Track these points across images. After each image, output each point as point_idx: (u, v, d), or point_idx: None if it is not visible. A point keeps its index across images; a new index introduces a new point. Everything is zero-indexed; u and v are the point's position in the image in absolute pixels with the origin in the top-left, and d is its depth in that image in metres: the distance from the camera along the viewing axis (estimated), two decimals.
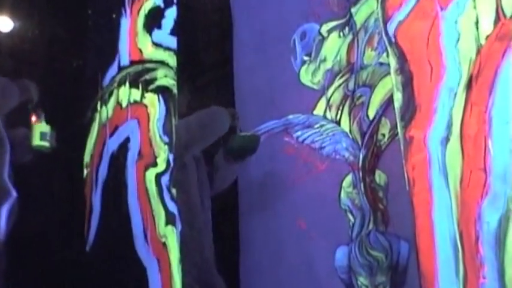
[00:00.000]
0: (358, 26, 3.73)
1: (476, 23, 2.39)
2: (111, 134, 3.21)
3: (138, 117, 3.15)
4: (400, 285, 3.44)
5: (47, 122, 3.27)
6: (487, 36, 2.37)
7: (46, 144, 3.25)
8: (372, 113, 3.62)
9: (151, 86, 3.17)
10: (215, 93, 4.61)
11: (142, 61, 3.23)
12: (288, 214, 3.79)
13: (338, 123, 3.73)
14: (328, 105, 3.77)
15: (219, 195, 3.74)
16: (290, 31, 3.94)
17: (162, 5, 3.26)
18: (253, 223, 3.92)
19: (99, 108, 3.38)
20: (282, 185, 3.84)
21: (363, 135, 3.63)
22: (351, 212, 3.61)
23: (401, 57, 2.54)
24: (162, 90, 3.17)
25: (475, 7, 2.40)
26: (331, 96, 3.77)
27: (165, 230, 3.03)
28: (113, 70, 3.28)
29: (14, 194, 3.08)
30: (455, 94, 2.41)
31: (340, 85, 3.75)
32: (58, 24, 4.63)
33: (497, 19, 2.35)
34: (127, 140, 3.16)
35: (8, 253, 3.21)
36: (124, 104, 3.20)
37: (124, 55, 3.27)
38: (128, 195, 3.10)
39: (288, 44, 3.93)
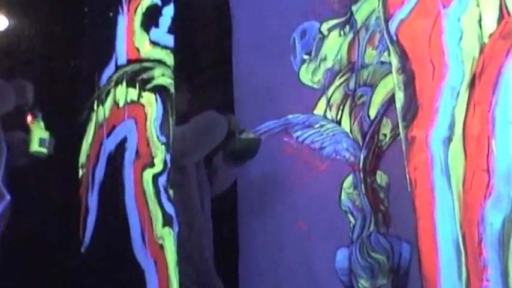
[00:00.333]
0: (359, 24, 3.73)
1: (480, 21, 2.39)
2: (108, 134, 3.21)
3: (135, 117, 3.14)
4: None
5: (46, 128, 3.27)
6: (490, 35, 2.37)
7: (44, 150, 3.26)
8: (373, 113, 3.62)
9: (149, 85, 3.17)
10: (213, 93, 4.60)
11: (139, 60, 3.22)
12: (288, 215, 3.78)
13: (338, 123, 3.72)
14: (329, 105, 3.76)
15: (218, 197, 3.73)
16: (290, 29, 3.93)
17: (159, 3, 3.26)
18: (252, 224, 3.91)
19: (95, 107, 3.38)
20: (282, 186, 3.84)
21: (363, 135, 3.63)
22: (352, 214, 3.61)
23: (403, 56, 2.54)
24: (160, 90, 3.17)
25: (478, 5, 2.40)
26: (331, 96, 3.76)
27: (162, 232, 3.02)
28: (109, 69, 3.27)
29: (8, 197, 3.07)
30: (458, 93, 2.40)
31: (340, 84, 3.75)
32: (54, 23, 4.63)
33: (500, 17, 2.35)
34: (124, 140, 3.15)
35: (1, 255, 3.20)
36: (121, 104, 3.19)
37: (121, 54, 3.26)
38: (125, 196, 3.09)
39: (288, 43, 3.92)
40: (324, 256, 3.64)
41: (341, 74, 3.76)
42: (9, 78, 3.25)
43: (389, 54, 2.61)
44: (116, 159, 3.17)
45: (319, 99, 3.80)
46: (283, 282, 3.75)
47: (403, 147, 2.49)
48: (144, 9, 3.25)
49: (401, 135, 2.50)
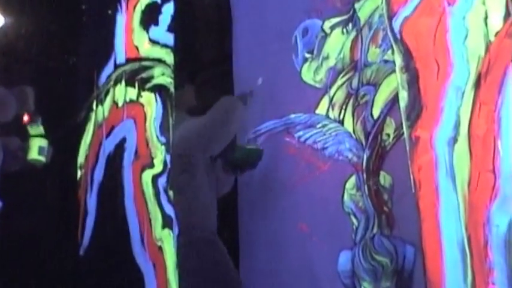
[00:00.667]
0: (362, 22, 3.72)
1: (485, 19, 2.39)
2: (107, 135, 3.21)
3: (135, 116, 3.14)
4: None
5: (44, 132, 3.27)
6: (497, 33, 2.37)
7: (42, 159, 3.26)
8: (376, 113, 3.61)
9: (148, 85, 3.17)
10: (214, 92, 4.59)
11: (138, 59, 3.23)
12: (289, 217, 3.78)
13: (341, 122, 3.72)
14: (331, 104, 3.76)
15: (218, 198, 3.73)
16: (291, 27, 3.93)
17: (159, 1, 3.26)
18: (253, 226, 3.91)
19: (94, 107, 3.38)
20: (283, 186, 3.83)
21: (366, 135, 3.62)
22: (355, 215, 3.60)
23: (407, 55, 2.54)
24: (159, 89, 3.17)
25: (484, 3, 2.40)
26: (334, 95, 3.76)
27: (162, 234, 3.02)
28: (108, 68, 3.27)
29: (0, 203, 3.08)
30: (463, 93, 2.41)
31: (343, 83, 3.74)
32: (51, 21, 4.62)
33: (507, 15, 2.35)
34: (123, 140, 3.15)
35: None
36: (120, 103, 3.19)
37: (120, 53, 3.27)
38: (124, 197, 3.09)
39: (290, 41, 3.92)
40: (326, 258, 3.63)
41: (344, 72, 3.75)
42: (6, 77, 3.25)
43: (393, 53, 2.62)
44: (115, 160, 3.17)
45: (321, 99, 3.79)
46: (285, 285, 3.75)
47: (407, 148, 2.49)
48: (143, 7, 3.25)
49: (405, 135, 2.51)
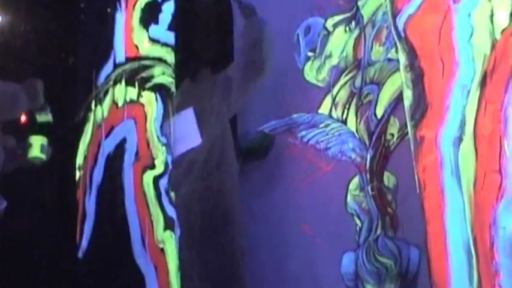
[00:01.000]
0: (366, 20, 3.72)
1: (491, 16, 2.40)
2: (107, 135, 3.21)
3: (135, 116, 3.15)
4: None
5: (44, 130, 3.28)
6: (503, 30, 2.37)
7: (44, 157, 3.27)
8: (380, 112, 3.61)
9: (149, 84, 3.18)
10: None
11: (138, 58, 3.23)
12: (292, 218, 3.78)
13: (344, 122, 3.72)
14: (334, 104, 3.76)
15: None
16: (293, 26, 3.93)
17: None
18: (255, 228, 3.90)
19: (93, 107, 3.38)
20: (286, 187, 3.84)
21: (370, 135, 3.63)
22: (358, 216, 3.61)
23: (412, 53, 2.55)
24: (160, 89, 3.17)
25: (489, 0, 2.40)
26: (337, 94, 3.76)
27: (163, 235, 3.03)
28: (107, 68, 3.28)
29: (4, 203, 3.08)
30: (469, 92, 2.41)
31: (346, 82, 3.75)
32: (49, 19, 4.62)
33: None
34: (123, 141, 3.15)
35: None
36: (120, 103, 3.20)
37: (119, 52, 3.27)
38: (124, 198, 3.10)
39: (292, 40, 3.92)
40: (329, 260, 3.63)
41: (347, 71, 3.76)
42: (4, 76, 3.24)
43: (397, 51, 2.62)
44: (115, 160, 3.18)
45: (324, 98, 3.80)
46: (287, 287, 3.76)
47: (412, 148, 2.50)
48: (143, 5, 3.26)
49: (410, 135, 2.51)
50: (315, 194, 3.73)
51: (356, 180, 3.64)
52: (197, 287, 3.22)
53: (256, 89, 3.56)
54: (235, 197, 3.52)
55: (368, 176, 3.60)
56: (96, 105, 3.31)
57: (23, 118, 3.28)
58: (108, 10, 3.33)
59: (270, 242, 3.84)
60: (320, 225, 3.69)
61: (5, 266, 3.85)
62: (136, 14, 3.25)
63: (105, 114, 3.24)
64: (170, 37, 3.22)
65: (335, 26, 3.83)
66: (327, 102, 3.78)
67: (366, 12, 3.73)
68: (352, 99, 3.72)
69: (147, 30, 3.23)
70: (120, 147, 3.15)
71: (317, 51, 3.86)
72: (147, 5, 3.26)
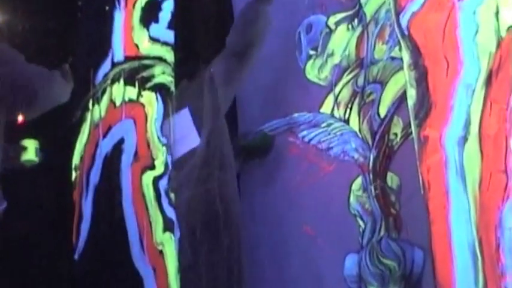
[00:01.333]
0: (368, 17, 3.72)
1: (497, 13, 2.40)
2: (104, 135, 3.21)
3: (134, 116, 3.15)
4: None
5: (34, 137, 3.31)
6: (508, 28, 2.38)
7: (37, 160, 3.31)
8: (383, 111, 3.61)
9: (149, 84, 3.17)
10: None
11: (138, 57, 3.22)
12: (293, 219, 3.78)
13: (347, 122, 3.72)
14: (336, 103, 3.76)
15: None
16: (295, 23, 3.93)
17: None
18: (255, 230, 3.91)
19: (90, 107, 3.38)
20: (287, 188, 3.84)
21: (373, 134, 3.63)
22: (361, 217, 3.61)
23: (415, 51, 2.55)
24: (160, 88, 3.17)
25: None
26: (339, 93, 3.76)
27: (163, 237, 3.03)
28: (105, 66, 3.27)
29: (4, 203, 3.09)
30: (474, 91, 2.41)
31: (348, 81, 3.75)
32: (46, 17, 4.61)
33: None
34: (121, 141, 3.15)
35: None
36: (118, 103, 3.20)
37: (118, 50, 3.27)
38: (122, 199, 3.10)
39: (293, 38, 3.92)
40: (331, 262, 3.63)
41: (349, 70, 3.76)
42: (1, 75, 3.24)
43: (400, 50, 2.62)
44: (113, 161, 3.17)
45: (326, 97, 3.80)
46: None
47: (416, 148, 2.50)
48: (143, 4, 3.26)
49: (414, 134, 2.51)
50: (316, 194, 3.73)
51: (359, 181, 3.65)
52: None
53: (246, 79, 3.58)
54: (235, 200, 3.53)
55: (371, 176, 3.60)
56: (93, 105, 3.31)
57: (20, 118, 3.29)
58: (106, 8, 3.33)
59: (270, 243, 3.84)
60: (322, 226, 3.69)
61: (1, 268, 3.85)
62: (137, 13, 3.25)
63: (103, 113, 3.23)
64: (170, 36, 3.22)
65: (337, 23, 3.83)
66: (329, 101, 3.78)
67: (368, 10, 3.73)
68: (354, 99, 3.72)
69: (147, 29, 3.23)
70: (118, 147, 3.15)
71: (319, 49, 3.86)
72: (147, 3, 3.26)
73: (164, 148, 3.09)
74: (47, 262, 4.23)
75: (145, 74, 3.19)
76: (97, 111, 3.27)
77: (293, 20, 3.94)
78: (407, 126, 3.38)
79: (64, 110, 3.82)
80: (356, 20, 3.76)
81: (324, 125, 3.78)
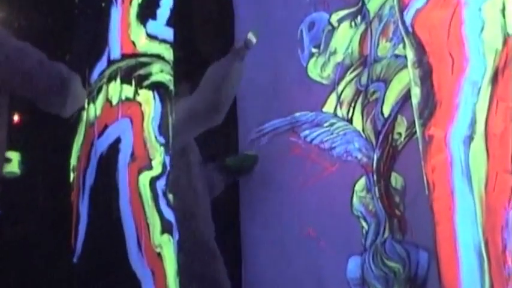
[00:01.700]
0: (372, 14, 3.72)
1: (503, 10, 2.39)
2: (100, 134, 3.20)
3: (131, 115, 3.13)
4: None
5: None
6: None
7: (19, 172, 3.35)
8: (387, 110, 3.62)
9: (146, 82, 3.16)
10: None
11: (135, 55, 3.21)
12: (295, 221, 3.79)
13: (350, 121, 3.72)
14: (339, 102, 3.76)
15: (218, 201, 3.73)
16: (297, 21, 3.93)
17: None
18: (256, 231, 3.91)
19: (86, 106, 3.36)
20: (288, 189, 3.84)
21: (377, 134, 3.63)
22: (365, 219, 3.61)
23: (420, 49, 2.54)
24: (158, 87, 3.16)
25: None
26: (342, 92, 3.76)
27: (161, 239, 3.02)
28: (101, 64, 3.26)
29: None
30: (479, 89, 2.41)
31: (352, 80, 3.75)
32: (41, 14, 4.62)
33: None
34: (117, 140, 3.14)
35: None
36: (114, 102, 3.18)
37: (114, 48, 3.25)
38: (118, 201, 3.09)
39: (295, 35, 3.92)
40: (334, 265, 3.64)
41: (352, 68, 3.76)
42: None
43: (404, 47, 2.61)
44: (108, 161, 3.16)
45: (328, 96, 3.80)
46: None
47: (420, 147, 2.49)
48: (140, 0, 3.25)
49: (418, 134, 2.51)
50: (319, 195, 3.73)
51: (362, 181, 3.65)
52: None
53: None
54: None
55: (375, 176, 3.60)
56: (89, 103, 3.29)
57: (16, 118, 3.29)
58: (103, 5, 3.32)
59: (271, 246, 3.84)
60: (325, 228, 3.69)
61: None
62: (134, 10, 3.23)
63: (98, 112, 3.22)
64: (169, 33, 3.21)
65: (340, 21, 3.83)
66: (332, 100, 3.78)
67: (372, 7, 3.74)
68: (358, 97, 3.72)
69: (145, 26, 3.22)
70: (114, 147, 3.14)
71: (321, 47, 3.86)
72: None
73: (162, 148, 3.08)
74: (45, 265, 4.23)
75: (142, 72, 3.17)
76: (93, 110, 3.26)
77: (295, 18, 3.93)
78: (411, 125, 3.39)
79: None
80: (359, 17, 3.76)
81: (326, 124, 3.78)
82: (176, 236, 3.04)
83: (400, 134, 3.56)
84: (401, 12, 2.60)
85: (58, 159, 3.70)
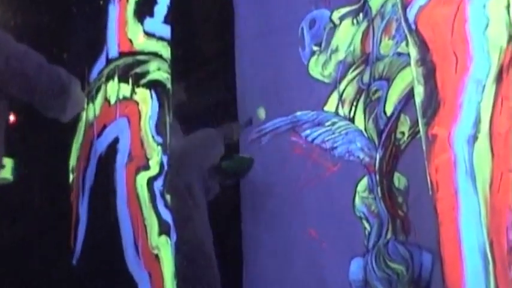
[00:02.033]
0: (374, 12, 3.72)
1: (508, 6, 2.39)
2: (99, 134, 3.20)
3: (128, 114, 3.14)
4: None
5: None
6: None
7: (11, 178, 3.36)
8: (389, 109, 3.61)
9: (143, 81, 3.17)
10: (214, 89, 4.60)
11: (132, 53, 3.22)
12: (297, 222, 3.78)
13: (352, 120, 3.72)
14: (341, 101, 3.76)
15: (219, 202, 3.73)
16: (298, 18, 3.93)
17: None
18: (257, 233, 3.91)
19: (85, 105, 3.37)
20: (290, 189, 3.83)
21: (379, 133, 3.62)
22: (367, 220, 3.61)
23: (423, 47, 2.54)
24: (155, 85, 3.16)
25: None
26: (343, 91, 3.76)
27: (158, 241, 3.02)
28: (100, 63, 3.27)
29: None
30: (484, 87, 2.41)
31: (353, 78, 3.74)
32: (39, 12, 4.62)
33: None
34: (116, 140, 3.14)
35: None
36: (112, 101, 3.19)
37: (112, 46, 3.26)
38: (116, 202, 3.09)
39: (296, 33, 3.91)
40: (336, 266, 3.63)
41: (354, 66, 3.75)
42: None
43: (407, 45, 2.62)
44: (107, 161, 3.16)
45: (330, 95, 3.79)
46: None
47: (424, 147, 2.49)
48: None
49: (421, 133, 2.51)
50: (320, 196, 3.73)
51: (364, 182, 3.64)
52: None
53: None
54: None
55: (377, 176, 3.60)
56: (88, 103, 3.30)
57: (12, 118, 3.29)
58: (101, 2, 3.32)
59: (273, 247, 3.84)
60: (326, 229, 3.69)
61: None
62: (131, 7, 3.24)
63: (97, 112, 3.22)
64: (166, 31, 3.21)
65: (342, 18, 3.82)
66: (333, 99, 3.78)
67: (374, 4, 3.73)
68: (360, 96, 3.72)
69: (142, 24, 3.22)
70: (112, 147, 3.14)
71: (323, 45, 3.85)
72: None
73: (159, 147, 3.07)
74: (43, 267, 4.23)
75: (139, 70, 3.18)
76: (92, 110, 3.26)
77: (295, 15, 3.93)
78: (414, 124, 3.38)
79: None
80: (361, 15, 3.75)
81: (328, 123, 3.77)
82: (174, 237, 3.04)
83: (403, 133, 3.55)
84: (404, 9, 2.59)
85: (56, 160, 3.70)
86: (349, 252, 3.61)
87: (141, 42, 3.20)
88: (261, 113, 3.66)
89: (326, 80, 3.82)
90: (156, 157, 3.06)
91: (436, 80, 2.49)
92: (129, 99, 3.14)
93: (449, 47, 2.47)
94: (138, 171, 3.06)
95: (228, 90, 4.17)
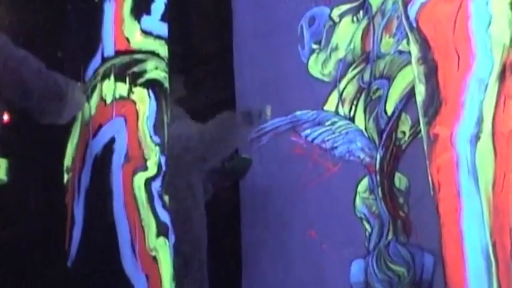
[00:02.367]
0: (374, 9, 3.72)
1: (511, 3, 2.38)
2: (95, 134, 3.19)
3: (125, 114, 3.13)
4: None
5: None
6: None
7: (5, 179, 3.37)
8: (390, 108, 3.62)
9: (140, 80, 3.16)
10: (213, 88, 4.60)
11: (129, 51, 3.21)
12: (297, 223, 3.78)
13: (352, 120, 3.72)
14: (341, 100, 3.76)
15: (218, 203, 3.73)
16: (297, 16, 3.93)
17: None
18: (257, 234, 3.91)
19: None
20: (290, 190, 3.84)
21: (380, 133, 3.63)
22: (368, 221, 3.61)
23: (424, 45, 2.54)
24: (153, 84, 3.15)
25: None
26: (344, 90, 3.76)
27: (156, 243, 3.01)
28: (95, 62, 3.26)
29: None
30: (486, 86, 2.41)
31: (354, 77, 3.75)
32: (33, 10, 4.62)
33: None
34: (112, 140, 3.14)
35: None
36: (108, 100, 3.18)
37: (108, 45, 3.25)
38: (113, 203, 3.08)
39: (295, 31, 3.91)
40: (337, 268, 3.64)
41: (354, 65, 3.76)
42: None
43: (408, 43, 2.62)
44: (103, 162, 3.16)
45: (330, 94, 3.80)
46: None
47: (425, 146, 2.49)
48: None
49: (423, 132, 2.51)
50: (321, 196, 3.73)
51: (365, 182, 3.65)
52: None
53: None
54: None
55: (378, 177, 3.60)
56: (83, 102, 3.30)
57: (6, 118, 3.28)
58: (96, 0, 3.32)
59: (273, 248, 3.84)
60: (327, 230, 3.69)
61: None
62: (127, 4, 3.23)
63: (93, 111, 3.22)
64: (163, 29, 3.21)
65: (341, 16, 3.83)
66: (333, 98, 3.78)
67: (374, 1, 3.74)
68: (360, 95, 3.72)
69: (139, 22, 3.21)
70: (109, 147, 3.13)
71: (322, 43, 3.86)
72: None
73: (157, 148, 3.07)
74: (39, 269, 4.23)
75: (136, 69, 3.17)
76: (87, 109, 3.25)
77: (295, 13, 3.92)
78: (416, 124, 3.38)
79: None
80: (361, 12, 3.76)
81: (328, 123, 3.78)
82: (172, 239, 3.04)
83: (404, 132, 3.56)
84: (405, 6, 2.59)
85: (51, 160, 3.69)
86: (350, 254, 3.62)
87: (138, 41, 3.19)
88: (268, 111, 3.65)
89: (326, 79, 3.82)
90: (154, 158, 3.05)
91: (438, 78, 2.49)
92: (126, 99, 3.13)
93: (451, 45, 2.47)
94: (135, 172, 3.05)
95: (226, 90, 4.18)
